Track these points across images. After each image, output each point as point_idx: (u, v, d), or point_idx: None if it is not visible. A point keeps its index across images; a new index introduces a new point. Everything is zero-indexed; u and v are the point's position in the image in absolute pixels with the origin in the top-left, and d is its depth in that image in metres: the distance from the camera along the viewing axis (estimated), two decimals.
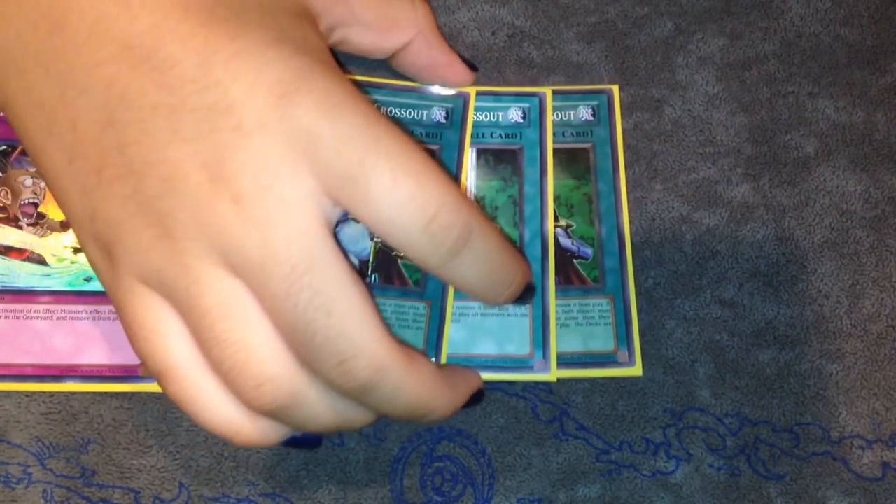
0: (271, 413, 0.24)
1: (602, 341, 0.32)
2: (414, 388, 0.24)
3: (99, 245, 0.24)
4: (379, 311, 0.24)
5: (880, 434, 0.32)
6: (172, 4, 0.22)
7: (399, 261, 0.32)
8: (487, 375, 0.31)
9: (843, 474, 0.31)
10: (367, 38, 0.32)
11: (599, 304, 0.32)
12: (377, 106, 0.33)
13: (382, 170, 0.22)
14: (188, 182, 0.22)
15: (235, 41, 0.22)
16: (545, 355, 0.31)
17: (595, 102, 0.35)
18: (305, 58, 0.23)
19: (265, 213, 0.21)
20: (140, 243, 0.22)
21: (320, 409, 0.24)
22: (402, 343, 0.25)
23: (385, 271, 0.32)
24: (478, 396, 0.29)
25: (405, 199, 0.22)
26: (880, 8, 0.36)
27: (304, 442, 0.27)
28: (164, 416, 0.31)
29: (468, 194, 0.33)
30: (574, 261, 0.33)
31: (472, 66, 0.34)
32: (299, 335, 0.22)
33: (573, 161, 0.34)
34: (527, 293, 0.28)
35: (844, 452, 0.32)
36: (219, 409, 0.24)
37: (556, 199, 0.33)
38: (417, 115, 0.34)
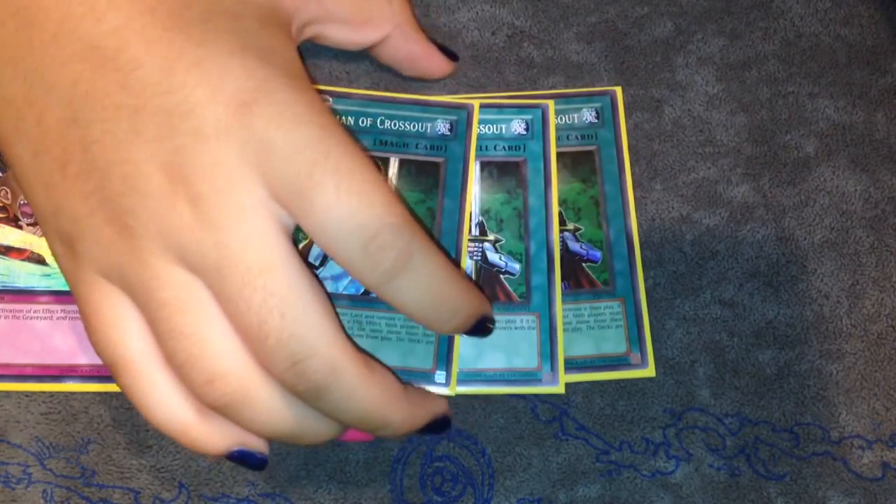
0: (222, 409, 0.24)
1: (614, 344, 0.32)
2: (369, 394, 0.24)
3: (62, 239, 0.24)
4: (336, 316, 0.24)
5: (880, 434, 0.32)
6: (139, 7, 0.22)
7: None
8: (496, 389, 0.31)
9: (843, 474, 0.31)
10: (341, 33, 0.31)
11: (610, 307, 0.32)
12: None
13: (328, 184, 0.22)
14: (148, 182, 0.22)
15: (200, 47, 0.22)
16: (553, 367, 0.31)
17: (598, 104, 0.35)
18: (269, 68, 0.23)
19: (221, 216, 0.22)
20: (101, 239, 0.23)
21: (273, 411, 0.24)
22: (361, 350, 0.25)
23: None
24: (441, 424, 0.28)
25: (346, 216, 0.22)
26: (880, 8, 0.36)
27: (249, 459, 0.26)
28: None
29: (473, 207, 0.33)
30: (583, 264, 0.33)
31: (452, 55, 0.34)
32: (254, 336, 0.22)
33: (579, 164, 0.34)
34: (481, 326, 0.28)
35: (844, 452, 0.32)
36: (168, 405, 0.24)
37: (564, 203, 0.34)
38: (422, 128, 0.34)
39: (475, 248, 0.33)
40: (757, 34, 0.36)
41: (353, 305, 0.32)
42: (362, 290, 0.32)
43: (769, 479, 0.31)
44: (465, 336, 0.32)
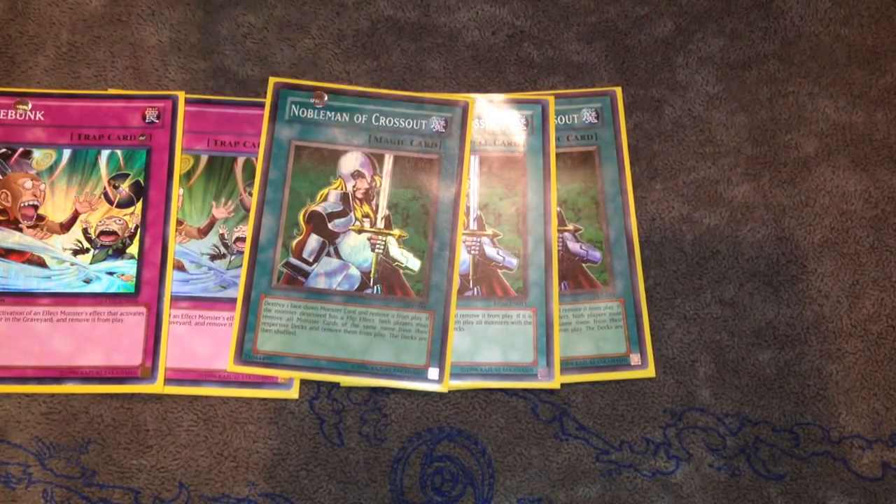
0: None
1: (614, 344, 0.32)
2: None
3: None
4: None
5: (880, 434, 0.32)
6: None
7: (401, 272, 0.32)
8: (491, 383, 0.31)
9: (843, 474, 0.31)
10: None
11: (610, 308, 0.32)
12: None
13: None
14: None
15: None
16: (549, 362, 0.31)
17: (598, 105, 0.35)
18: None
19: None
20: None
21: None
22: None
23: (387, 282, 0.32)
24: None
25: None
26: (880, 8, 0.36)
27: None
28: (164, 416, 0.31)
29: (472, 202, 0.34)
30: (583, 265, 0.33)
31: None
32: None
33: (579, 164, 0.34)
34: None
35: (844, 452, 0.32)
36: None
37: (563, 203, 0.34)
38: (416, 125, 0.34)
39: (473, 243, 0.33)
40: (757, 34, 0.36)
41: (347, 302, 0.32)
42: (356, 287, 0.32)
43: (769, 479, 0.31)
44: (460, 330, 0.32)
